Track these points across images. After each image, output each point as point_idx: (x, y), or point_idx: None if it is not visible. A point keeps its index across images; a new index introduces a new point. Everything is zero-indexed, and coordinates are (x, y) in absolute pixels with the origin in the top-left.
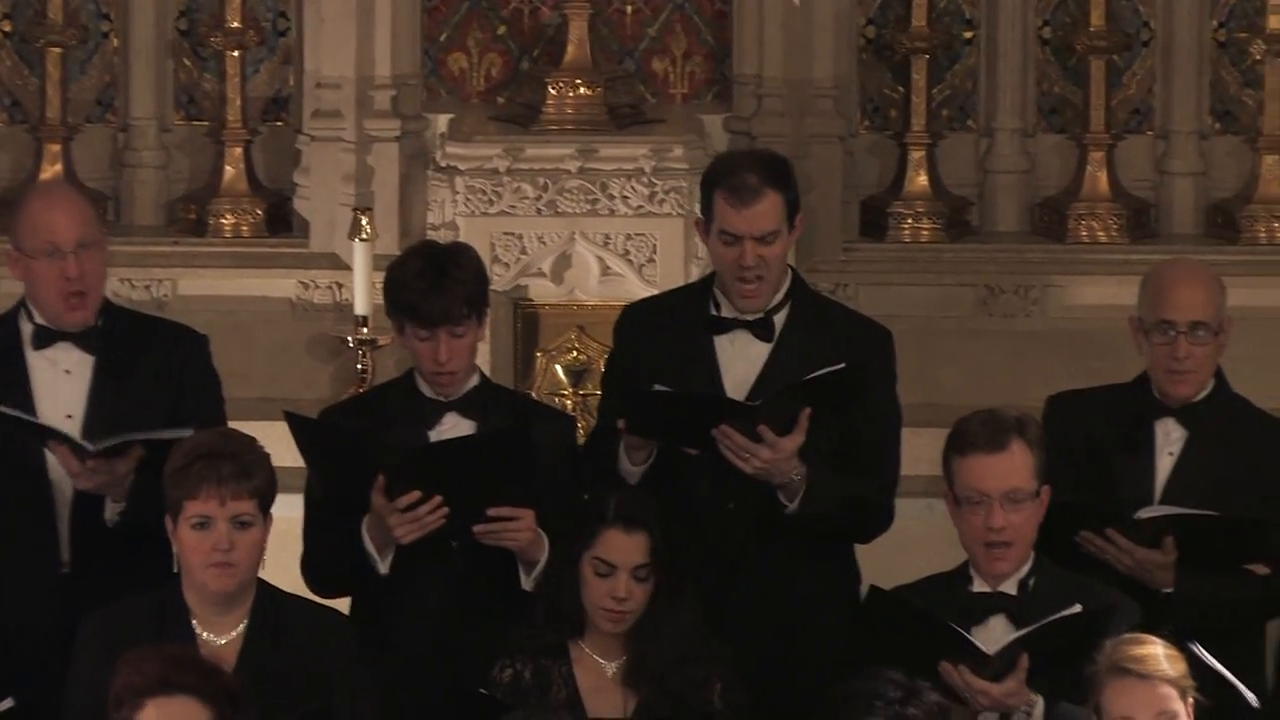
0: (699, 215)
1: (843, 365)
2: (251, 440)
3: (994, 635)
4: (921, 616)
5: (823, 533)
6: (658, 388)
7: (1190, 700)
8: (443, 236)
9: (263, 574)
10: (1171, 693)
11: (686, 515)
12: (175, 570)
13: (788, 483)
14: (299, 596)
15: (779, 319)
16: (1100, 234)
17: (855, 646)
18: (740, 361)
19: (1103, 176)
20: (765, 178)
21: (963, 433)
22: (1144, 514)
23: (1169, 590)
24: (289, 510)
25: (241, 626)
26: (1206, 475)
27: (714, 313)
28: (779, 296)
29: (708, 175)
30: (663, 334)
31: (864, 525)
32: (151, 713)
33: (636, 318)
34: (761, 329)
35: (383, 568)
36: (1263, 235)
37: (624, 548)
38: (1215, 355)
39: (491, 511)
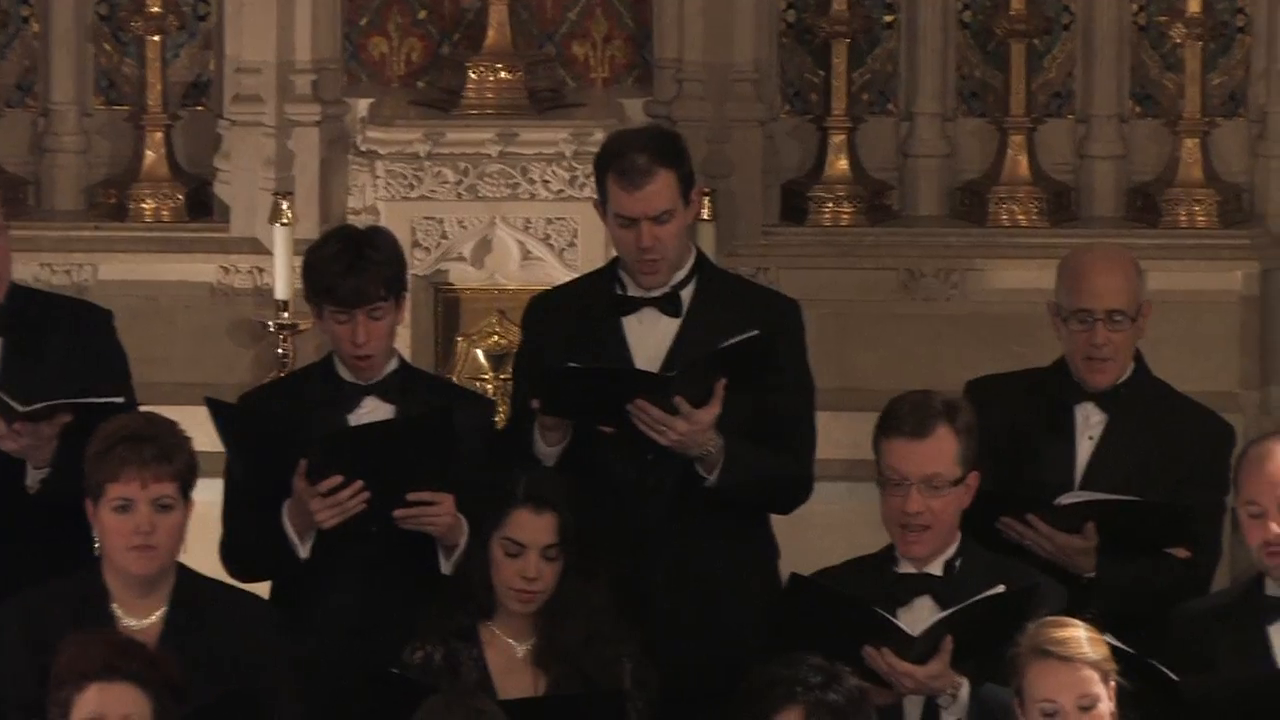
0: (596, 198)
1: (755, 333)
2: (172, 424)
3: (920, 617)
4: (844, 601)
5: (743, 504)
6: (570, 365)
7: (1112, 683)
8: (363, 221)
9: (183, 558)
10: (1093, 675)
11: (605, 493)
12: (96, 554)
13: (705, 455)
14: (218, 580)
15: (686, 294)
16: (1020, 217)
17: (776, 634)
18: (650, 338)
19: (1023, 160)
20: (655, 157)
21: (891, 414)
22: (1064, 500)
23: (1090, 575)
24: (209, 494)
25: (161, 610)
26: (1126, 459)
27: (620, 292)
28: (684, 272)
29: (599, 157)
30: (570, 319)
31: (784, 495)
32: (93, 696)
33: (542, 307)
34: (669, 305)
35: (303, 552)
36: (1183, 218)
37: (533, 527)
38: (1133, 341)
39: (411, 496)
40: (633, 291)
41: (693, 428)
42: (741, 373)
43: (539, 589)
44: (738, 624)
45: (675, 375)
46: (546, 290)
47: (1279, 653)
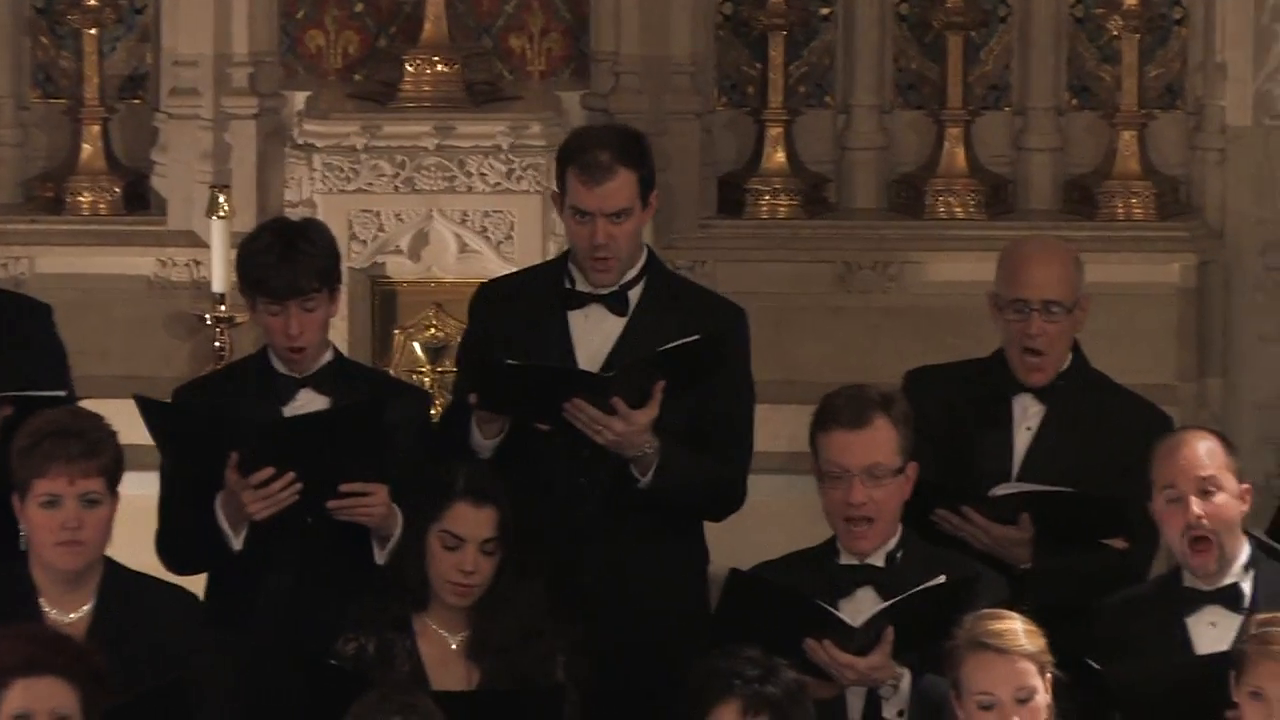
0: (554, 189)
1: (697, 337)
2: (99, 418)
3: (862, 608)
4: (783, 594)
5: (675, 508)
6: (508, 361)
7: (1049, 675)
8: (300, 214)
9: (119, 552)
10: (1030, 668)
11: (540, 489)
12: (23, 549)
13: (640, 456)
14: (146, 574)
15: (633, 294)
16: (958, 210)
17: (717, 629)
18: (594, 336)
19: (960, 153)
20: (618, 155)
21: (827, 408)
22: (999, 491)
23: (1026, 566)
24: (144, 488)
25: (89, 604)
26: (1064, 450)
27: (569, 286)
28: (633, 272)
29: (562, 150)
30: (517, 310)
31: (717, 502)
32: (18, 693)
33: (490, 295)
34: (616, 304)
35: (236, 544)
36: (1120, 211)
37: (473, 521)
38: (1069, 333)
39: (344, 486)
40: (581, 287)
41: (629, 429)
42: (682, 376)
43: (476, 582)
44: (668, 623)
45: (614, 376)
46: (494, 279)
47: (1198, 643)
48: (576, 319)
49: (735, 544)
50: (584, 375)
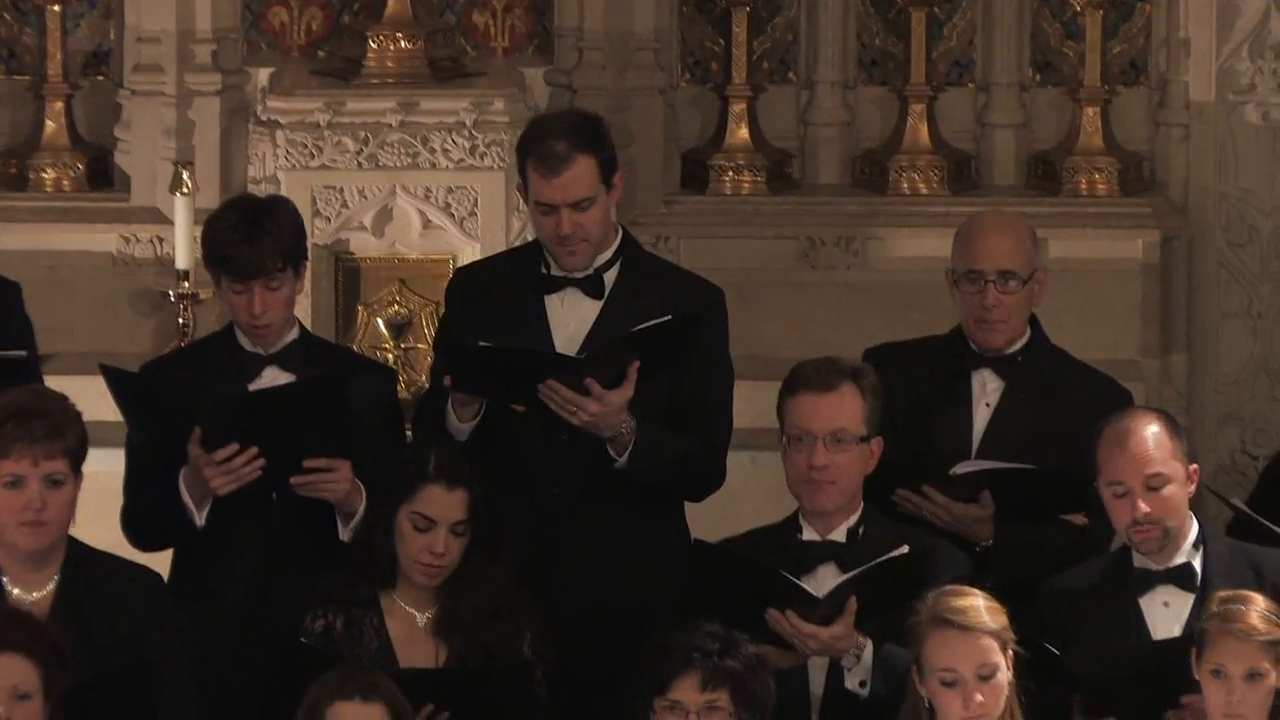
0: (518, 180)
1: (669, 317)
2: (63, 398)
3: (824, 584)
4: (746, 565)
5: (653, 488)
6: (482, 343)
7: (1011, 652)
8: (264, 190)
9: (85, 530)
10: (993, 645)
11: (515, 472)
12: None
13: (617, 436)
14: (109, 553)
15: (609, 276)
16: (921, 186)
17: (681, 601)
18: (571, 319)
19: (923, 129)
20: (574, 143)
21: (796, 374)
22: (960, 470)
23: (988, 544)
24: (109, 464)
25: (52, 583)
26: (1023, 426)
27: (544, 271)
28: (608, 254)
29: (520, 143)
30: (493, 295)
31: (694, 483)
32: None
33: (466, 280)
34: (592, 287)
35: (199, 519)
36: (1084, 187)
37: (445, 504)
38: (1026, 305)
39: (308, 462)
40: (556, 271)
41: (604, 409)
42: (657, 356)
43: (445, 564)
44: (644, 607)
45: (587, 357)
46: (471, 263)
47: (1152, 623)
48: (553, 303)
49: (699, 521)
50: (557, 357)
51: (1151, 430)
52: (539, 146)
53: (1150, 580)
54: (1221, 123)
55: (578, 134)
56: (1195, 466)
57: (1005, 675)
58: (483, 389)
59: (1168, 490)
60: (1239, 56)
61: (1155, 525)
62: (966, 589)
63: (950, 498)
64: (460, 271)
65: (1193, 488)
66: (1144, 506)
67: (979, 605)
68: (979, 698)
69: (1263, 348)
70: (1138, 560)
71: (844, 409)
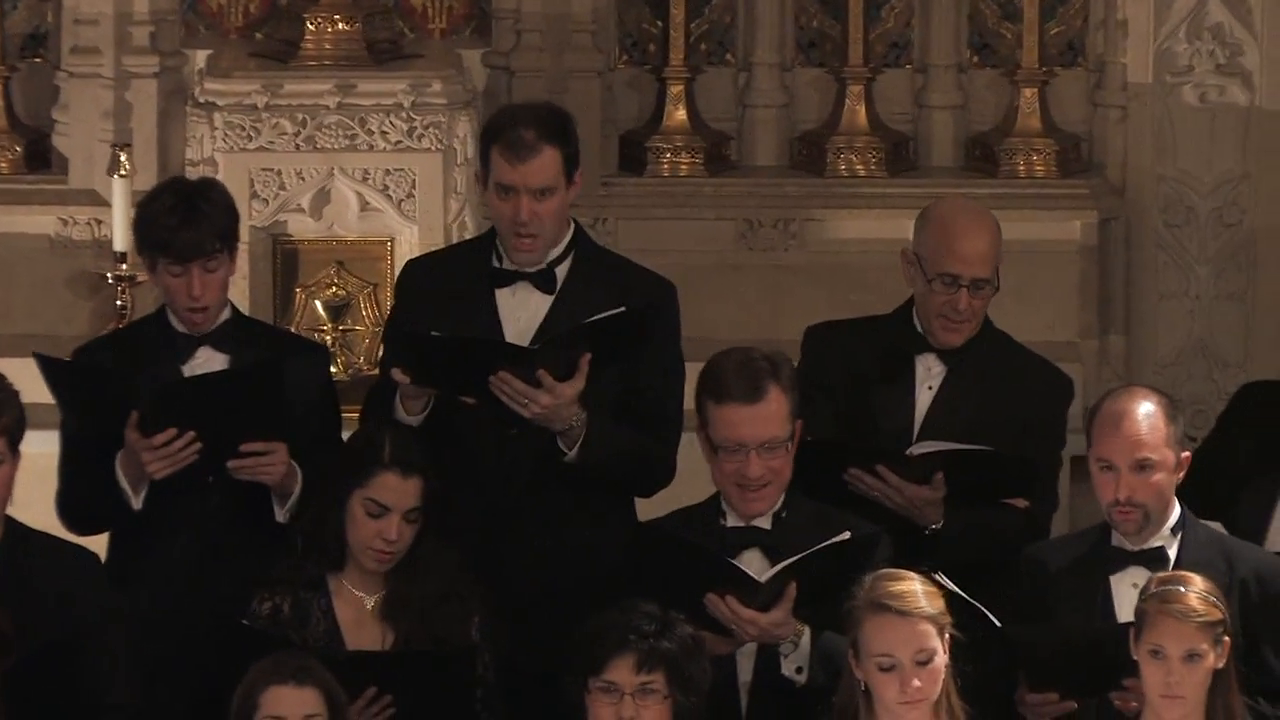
0: (478, 168)
1: (622, 309)
2: (1, 377)
3: (749, 570)
4: (688, 548)
5: (603, 482)
6: (434, 333)
7: (947, 636)
8: (201, 172)
9: (20, 514)
10: (930, 630)
11: (466, 465)
12: None
13: (567, 429)
14: (47, 533)
15: (561, 271)
16: (859, 167)
17: (620, 584)
18: (522, 313)
19: (861, 110)
20: (542, 133)
21: (718, 378)
22: (916, 450)
23: (936, 526)
24: (45, 447)
25: None
26: (965, 410)
27: (495, 265)
28: (559, 249)
29: (486, 130)
30: (444, 287)
31: (644, 478)
32: None
33: (416, 272)
34: (543, 281)
35: (136, 503)
36: (1021, 168)
37: (399, 490)
38: (988, 303)
39: (244, 446)
40: (508, 265)
41: (555, 401)
42: (609, 349)
43: (397, 550)
44: (595, 599)
45: (539, 348)
46: (421, 256)
47: (1119, 602)
48: (504, 297)
49: (636, 503)
50: (509, 347)
51: (1147, 413)
52: (507, 133)
53: (1124, 560)
54: (1159, 104)
55: (547, 125)
56: (1187, 454)
57: (942, 659)
58: (434, 380)
59: (1155, 476)
60: (1176, 38)
61: (1137, 509)
62: (903, 573)
63: (904, 479)
64: (410, 264)
65: (1181, 475)
66: (1128, 489)
67: (916, 590)
68: (916, 682)
69: (1200, 329)
70: (1115, 538)
71: (772, 416)
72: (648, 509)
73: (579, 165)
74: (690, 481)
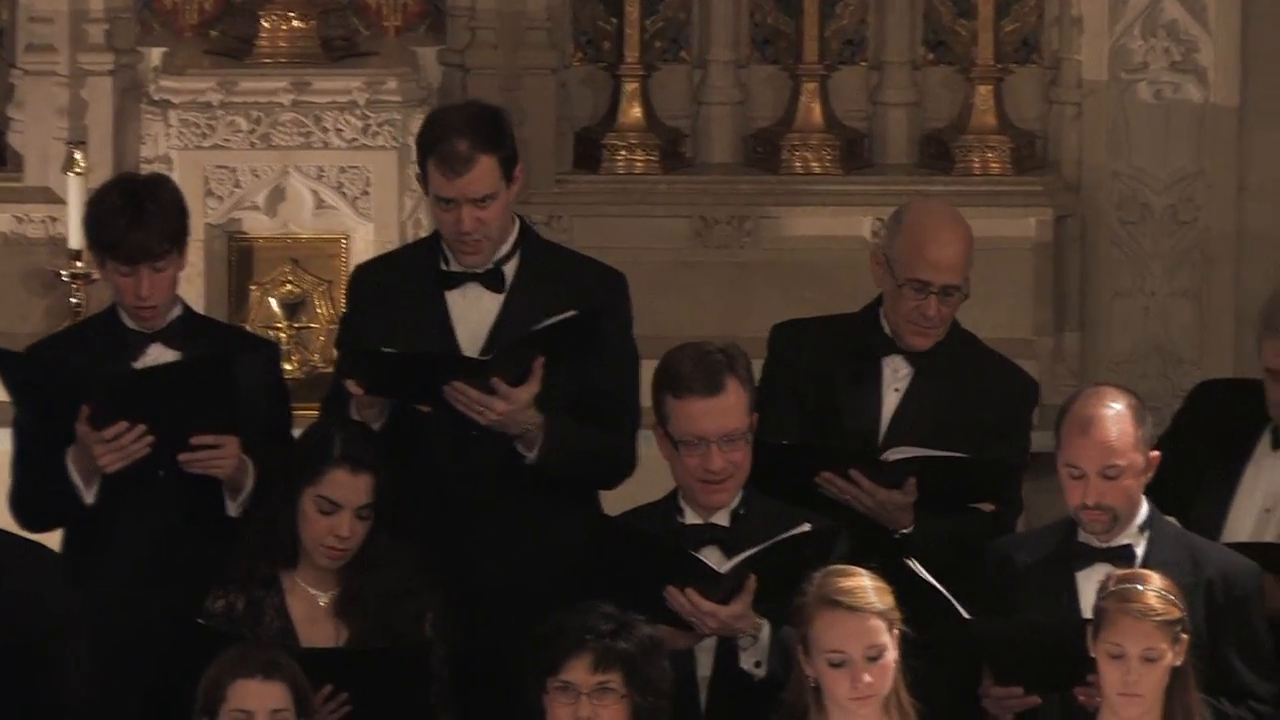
0: (418, 172)
1: (572, 313)
2: None
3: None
4: (647, 540)
5: (566, 480)
6: (385, 349)
7: (896, 632)
8: (156, 170)
9: None
10: (880, 625)
11: (425, 469)
12: None
13: (525, 433)
14: (5, 531)
15: (509, 269)
16: (814, 165)
17: (580, 576)
18: (473, 314)
19: (816, 107)
20: (476, 142)
21: (676, 373)
22: (892, 455)
23: (906, 530)
24: (2, 444)
25: None
26: (931, 412)
27: (444, 267)
28: (507, 247)
29: (420, 138)
30: (394, 291)
31: (606, 471)
32: None
33: (366, 277)
34: (492, 281)
35: (88, 497)
36: (976, 165)
37: (350, 487)
38: (957, 308)
39: (195, 439)
40: (455, 267)
41: (511, 407)
42: (562, 349)
43: (349, 547)
44: (555, 599)
45: (491, 358)
46: (370, 260)
47: (1084, 599)
48: (454, 299)
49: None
50: (462, 359)
51: (1116, 419)
52: (441, 145)
53: (1091, 556)
54: (1114, 101)
55: (479, 132)
56: (1156, 454)
57: (892, 655)
58: (387, 390)
59: (1124, 481)
60: (1131, 35)
61: (1106, 511)
62: (853, 569)
63: (876, 483)
64: (360, 269)
65: (1149, 475)
66: (1096, 495)
67: (866, 586)
68: (867, 678)
69: (1155, 326)
70: (1082, 535)
71: (732, 409)
72: (614, 506)
73: (518, 161)
74: (643, 479)
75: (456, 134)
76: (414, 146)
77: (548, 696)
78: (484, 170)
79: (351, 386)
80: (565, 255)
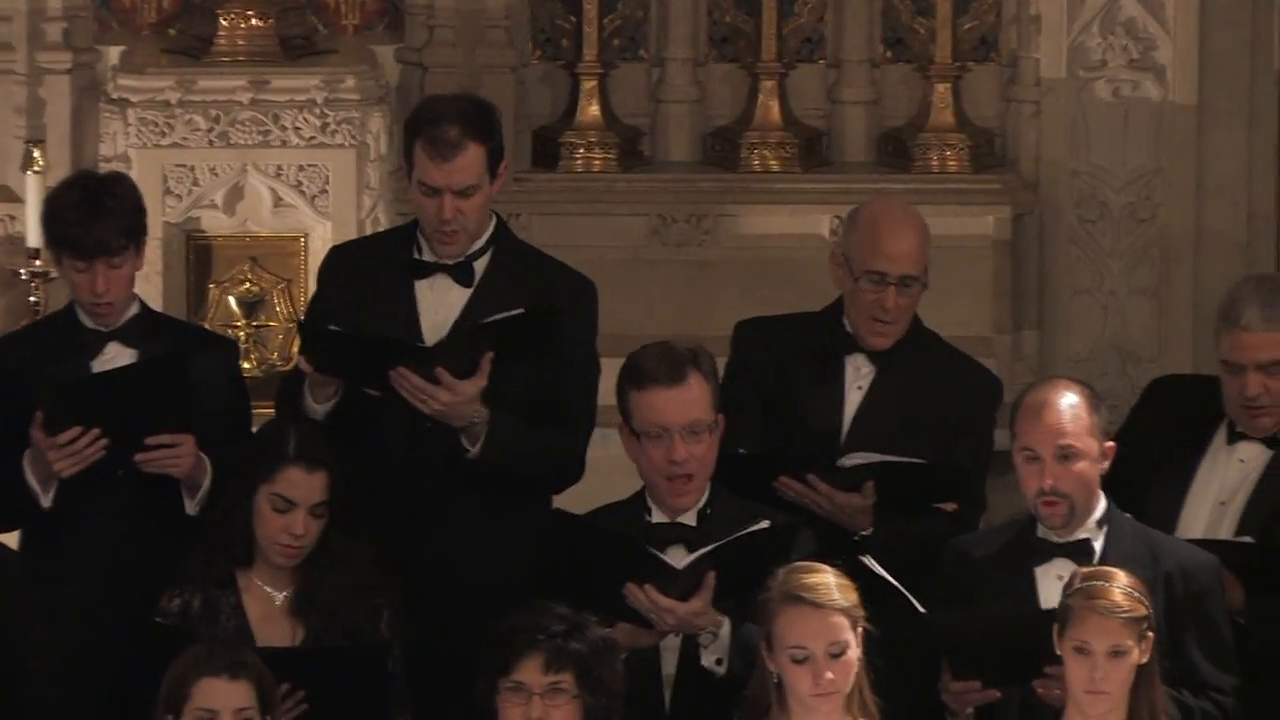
0: (402, 158)
1: (520, 310)
2: None
3: (674, 566)
4: (605, 536)
5: (509, 480)
6: (332, 327)
7: (860, 629)
8: (115, 169)
9: None
10: (844, 622)
11: (377, 457)
12: None
13: (469, 426)
14: None
15: (480, 265)
16: (772, 163)
17: (538, 573)
18: (439, 306)
19: (774, 105)
20: (466, 130)
21: (639, 367)
22: (849, 461)
23: (866, 533)
24: None
25: None
26: (894, 411)
27: (416, 256)
28: (480, 242)
29: (410, 120)
30: (365, 276)
31: (548, 477)
32: None
33: (339, 260)
34: (462, 274)
35: (45, 501)
36: (935, 163)
37: (304, 485)
38: (917, 303)
39: (151, 439)
40: (427, 256)
41: (455, 398)
42: (514, 347)
43: (304, 544)
44: (510, 593)
45: (437, 346)
46: (345, 243)
47: (1043, 594)
48: (422, 289)
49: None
50: (406, 345)
51: (1069, 402)
52: (431, 129)
53: (1049, 551)
54: (1072, 99)
55: (471, 121)
56: (1111, 445)
57: (855, 652)
58: (338, 371)
59: (1079, 465)
60: (1089, 33)
61: (1063, 500)
62: (816, 565)
63: (834, 487)
64: (334, 251)
65: (1105, 465)
66: (1051, 479)
67: (830, 582)
68: (829, 674)
69: (1114, 324)
70: (1040, 530)
71: (695, 399)
72: (576, 508)
73: (504, 158)
74: (597, 478)
75: (448, 120)
76: (402, 130)
77: (500, 697)
78: (471, 159)
79: (302, 363)
80: (537, 258)
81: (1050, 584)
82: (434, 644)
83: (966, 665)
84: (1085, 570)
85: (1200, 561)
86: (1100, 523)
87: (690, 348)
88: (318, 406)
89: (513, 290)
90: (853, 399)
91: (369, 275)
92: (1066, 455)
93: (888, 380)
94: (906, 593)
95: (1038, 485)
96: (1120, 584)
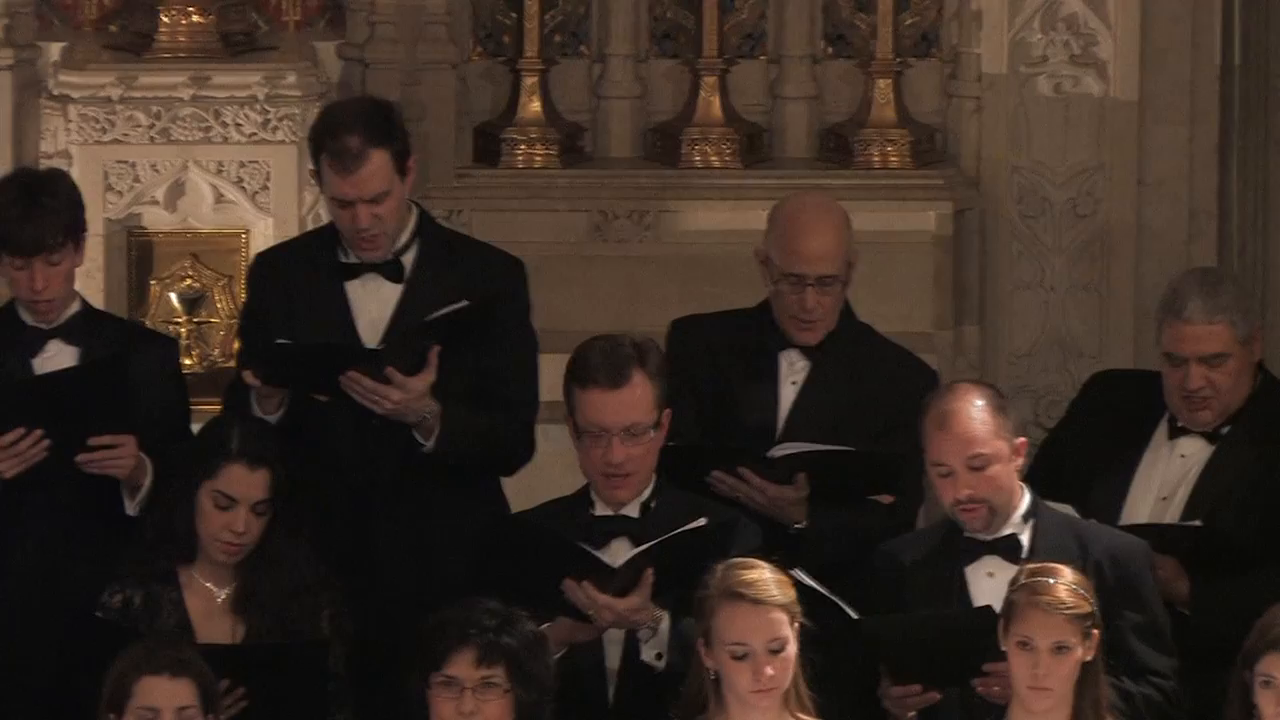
0: (311, 167)
1: (464, 303)
2: None
3: (617, 559)
4: (542, 535)
5: (466, 468)
6: (280, 341)
7: (797, 625)
8: (56, 165)
9: None
10: (783, 618)
11: (328, 456)
12: None
13: (422, 421)
14: None
15: (408, 259)
16: (713, 159)
17: (477, 572)
18: (373, 304)
19: (715, 101)
20: (368, 138)
21: (583, 364)
22: (778, 452)
23: (801, 525)
24: None
25: None
26: (830, 405)
27: (342, 259)
28: (405, 237)
29: (312, 134)
30: (294, 281)
31: (504, 458)
32: None
33: (267, 266)
34: (391, 271)
35: None
36: (876, 159)
37: (246, 483)
38: (841, 298)
39: (92, 439)
40: (355, 257)
41: (407, 396)
42: (458, 337)
43: (245, 542)
44: (461, 587)
45: (386, 347)
46: (270, 249)
47: (975, 593)
48: (354, 289)
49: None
50: (357, 349)
51: (973, 411)
52: (333, 142)
53: (976, 550)
54: (1014, 95)
55: (370, 127)
56: (1022, 441)
57: (793, 648)
58: (285, 381)
59: (991, 470)
60: (1031, 29)
61: (980, 504)
62: (754, 561)
63: (766, 480)
64: (260, 258)
65: (1019, 461)
66: (967, 489)
67: (768, 578)
68: (769, 670)
69: (1055, 320)
70: (967, 530)
71: (636, 402)
72: (519, 501)
73: (410, 153)
74: (543, 474)
75: (347, 131)
76: (308, 142)
77: (432, 692)
78: (376, 165)
79: (248, 377)
80: (463, 242)
81: (981, 582)
82: (385, 640)
83: (902, 669)
84: (1031, 566)
85: (1128, 547)
86: (1026, 517)
87: (638, 344)
88: (269, 418)
89: (444, 280)
90: (787, 394)
91: (298, 280)
92: (977, 465)
93: (821, 374)
94: (839, 601)
95: (953, 496)
96: (1065, 580)
